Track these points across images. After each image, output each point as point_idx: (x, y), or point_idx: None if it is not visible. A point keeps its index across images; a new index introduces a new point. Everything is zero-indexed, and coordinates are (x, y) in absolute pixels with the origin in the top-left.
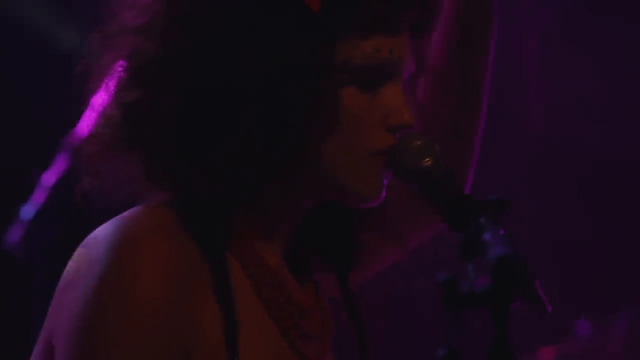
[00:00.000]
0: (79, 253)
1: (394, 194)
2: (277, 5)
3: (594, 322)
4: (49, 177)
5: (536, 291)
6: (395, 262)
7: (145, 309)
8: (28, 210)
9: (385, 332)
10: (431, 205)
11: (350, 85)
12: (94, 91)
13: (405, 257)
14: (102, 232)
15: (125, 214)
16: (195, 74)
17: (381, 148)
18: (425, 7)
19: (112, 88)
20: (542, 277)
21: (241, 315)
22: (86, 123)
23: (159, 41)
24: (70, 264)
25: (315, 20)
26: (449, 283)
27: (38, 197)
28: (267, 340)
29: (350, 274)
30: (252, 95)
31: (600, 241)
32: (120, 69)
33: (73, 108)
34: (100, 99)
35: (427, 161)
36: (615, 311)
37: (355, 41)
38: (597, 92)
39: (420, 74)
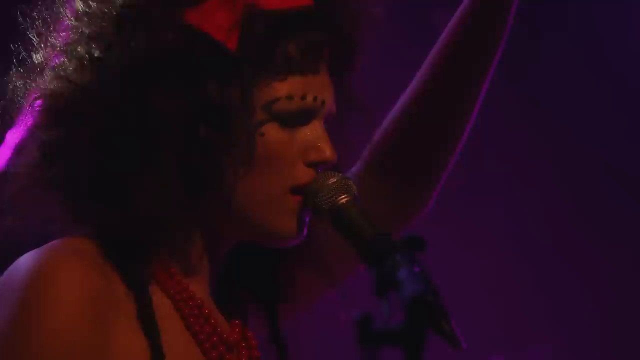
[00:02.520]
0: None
1: (321, 228)
2: (193, 45)
3: (507, 359)
4: None
5: (451, 328)
6: (326, 295)
7: (58, 338)
8: None
9: None
10: (347, 242)
11: (271, 122)
12: (10, 128)
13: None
14: (23, 260)
15: (48, 244)
16: (108, 115)
17: (301, 183)
18: (342, 45)
19: (29, 127)
20: (456, 313)
21: (169, 347)
22: (1, 160)
23: (74, 83)
24: None
25: (231, 61)
26: (363, 321)
27: None
28: None
29: (282, 310)
30: (166, 136)
31: (512, 280)
32: (37, 107)
33: None
34: (16, 137)
35: (343, 198)
36: (527, 348)
37: (274, 83)
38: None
39: (349, 110)
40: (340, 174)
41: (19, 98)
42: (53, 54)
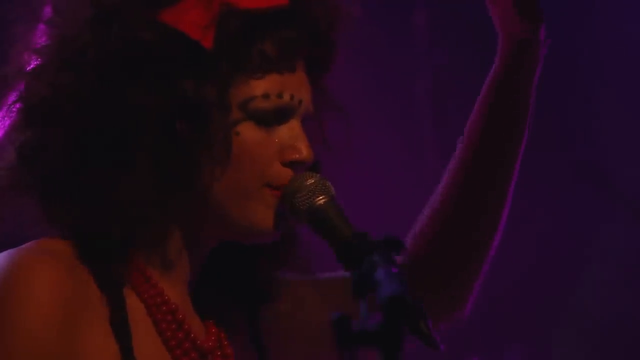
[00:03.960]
0: None
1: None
2: (169, 44)
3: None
4: None
5: (428, 329)
6: None
7: (29, 339)
8: None
9: None
10: (326, 242)
11: (247, 120)
12: None
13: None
14: None
15: (23, 245)
16: (84, 115)
17: (277, 183)
18: (318, 44)
19: (6, 128)
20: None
21: (139, 352)
22: None
23: (50, 84)
24: None
25: (207, 59)
26: (341, 321)
27: None
28: None
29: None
30: (142, 136)
31: (489, 281)
32: (14, 110)
33: None
34: None
35: (321, 199)
36: (505, 349)
37: (250, 81)
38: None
39: (326, 110)
40: (318, 175)
41: None
42: (30, 55)
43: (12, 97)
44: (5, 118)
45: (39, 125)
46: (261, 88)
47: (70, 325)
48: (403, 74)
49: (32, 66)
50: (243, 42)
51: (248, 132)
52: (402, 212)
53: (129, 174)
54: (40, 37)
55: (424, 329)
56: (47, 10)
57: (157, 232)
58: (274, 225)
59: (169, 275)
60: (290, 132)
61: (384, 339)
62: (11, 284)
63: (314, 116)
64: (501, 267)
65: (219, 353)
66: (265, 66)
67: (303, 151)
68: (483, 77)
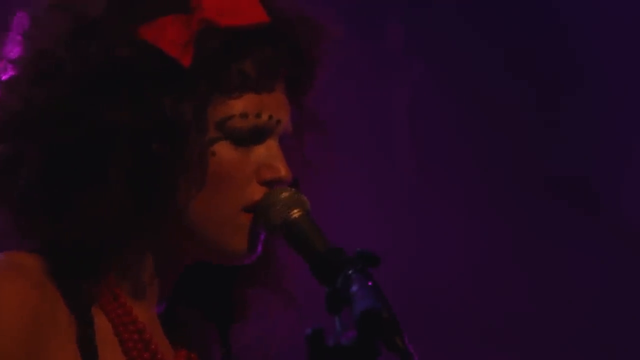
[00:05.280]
0: None
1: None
2: (146, 61)
3: None
4: None
5: (403, 343)
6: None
7: None
8: None
9: None
10: (300, 257)
11: (224, 140)
12: None
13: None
14: None
15: None
16: (58, 130)
17: (254, 202)
18: (299, 63)
19: None
20: (409, 328)
21: None
22: None
23: (23, 97)
24: None
25: (185, 77)
26: (315, 336)
27: None
28: None
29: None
30: (116, 153)
31: (468, 293)
32: None
33: None
34: None
35: (296, 213)
36: None
37: (228, 100)
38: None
39: (306, 129)
40: (292, 189)
41: None
42: (6, 68)
43: None
44: None
45: (12, 140)
46: (239, 107)
47: (35, 342)
48: (379, 87)
49: (7, 78)
50: (222, 61)
51: (225, 151)
52: (377, 227)
53: (103, 190)
54: (15, 47)
55: (400, 344)
56: (25, 21)
57: (130, 251)
58: (249, 248)
59: (138, 295)
60: (268, 152)
61: (359, 355)
62: None
63: (292, 135)
64: (478, 278)
65: None
66: (244, 85)
67: (281, 170)
68: (459, 89)
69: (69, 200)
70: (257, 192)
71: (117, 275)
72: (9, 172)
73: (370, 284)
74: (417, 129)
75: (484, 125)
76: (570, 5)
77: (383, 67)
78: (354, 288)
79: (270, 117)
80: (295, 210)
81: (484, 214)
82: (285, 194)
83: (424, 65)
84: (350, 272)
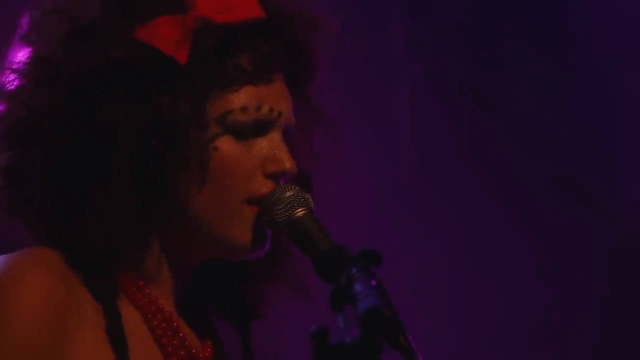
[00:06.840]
0: None
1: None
2: (143, 60)
3: None
4: None
5: (407, 341)
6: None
7: (12, 344)
8: None
9: None
10: (304, 255)
11: (225, 135)
12: None
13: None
14: None
15: (18, 251)
16: (61, 133)
17: (260, 195)
18: (296, 56)
19: None
20: (413, 326)
21: (136, 358)
22: None
23: (25, 104)
24: None
25: (182, 75)
26: (319, 334)
27: None
28: None
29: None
30: (118, 152)
31: (472, 294)
32: None
33: None
34: None
35: (300, 212)
36: None
37: (227, 95)
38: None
39: (311, 123)
40: (297, 187)
41: None
42: (11, 78)
43: None
44: None
45: (17, 146)
46: (239, 101)
47: (61, 331)
48: (381, 85)
49: (7, 85)
50: (218, 56)
51: (227, 146)
52: (380, 225)
53: (107, 190)
54: (16, 55)
55: (403, 342)
56: (23, 27)
57: (142, 246)
58: (252, 242)
59: (158, 287)
60: (271, 144)
61: (362, 353)
62: (3, 286)
63: (296, 128)
64: (481, 280)
65: None
66: (241, 79)
67: (285, 162)
68: (459, 88)
69: (78, 201)
70: (262, 185)
71: (133, 270)
72: (19, 183)
73: (373, 282)
74: (417, 128)
75: (484, 125)
76: (570, 5)
77: (384, 67)
78: (357, 286)
79: (271, 109)
80: (300, 209)
81: (484, 214)
82: (289, 193)
83: (424, 65)
84: (353, 270)
